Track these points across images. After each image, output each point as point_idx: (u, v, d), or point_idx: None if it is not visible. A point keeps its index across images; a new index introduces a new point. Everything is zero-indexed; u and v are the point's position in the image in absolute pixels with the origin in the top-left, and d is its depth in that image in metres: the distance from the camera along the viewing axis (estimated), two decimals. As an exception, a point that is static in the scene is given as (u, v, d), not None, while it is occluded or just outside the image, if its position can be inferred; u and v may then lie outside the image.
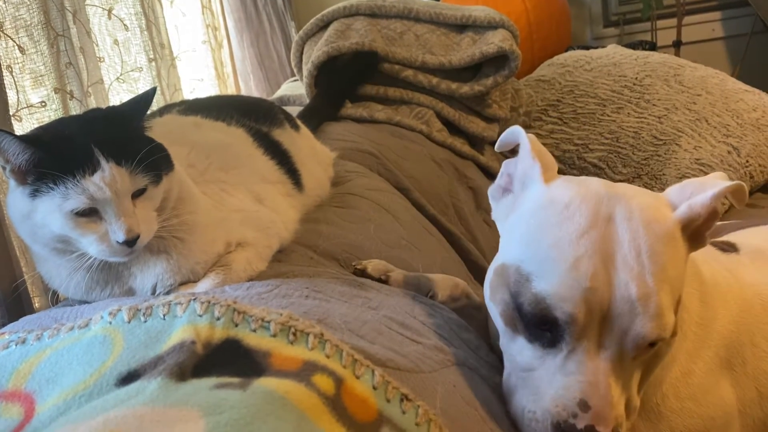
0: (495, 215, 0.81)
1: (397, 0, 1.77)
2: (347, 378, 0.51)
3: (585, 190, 0.70)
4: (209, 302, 0.55)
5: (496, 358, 0.82)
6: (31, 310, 1.02)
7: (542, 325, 0.66)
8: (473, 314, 0.94)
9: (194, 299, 0.57)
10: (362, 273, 0.94)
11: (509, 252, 0.72)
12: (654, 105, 1.84)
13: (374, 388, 0.53)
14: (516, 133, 0.78)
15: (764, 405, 0.83)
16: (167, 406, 0.43)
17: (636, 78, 1.92)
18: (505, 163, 0.81)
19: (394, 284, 0.92)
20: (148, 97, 0.79)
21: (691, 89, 1.86)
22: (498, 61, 1.70)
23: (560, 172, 0.77)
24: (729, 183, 0.70)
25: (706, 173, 1.73)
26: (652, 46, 2.91)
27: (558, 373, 0.65)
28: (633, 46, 2.76)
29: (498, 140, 0.82)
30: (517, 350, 0.70)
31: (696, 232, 0.71)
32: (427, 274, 0.96)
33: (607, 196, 0.69)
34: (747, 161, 1.79)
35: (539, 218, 0.69)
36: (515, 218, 0.74)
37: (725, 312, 0.82)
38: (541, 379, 0.67)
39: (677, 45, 2.97)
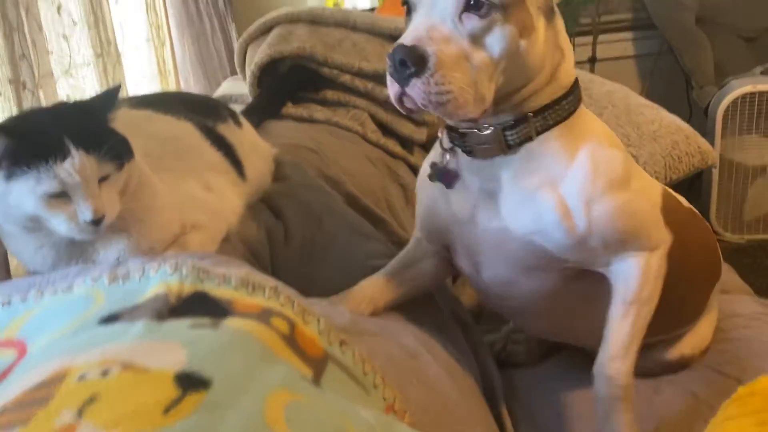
0: None
1: (336, 10, 1.89)
2: (298, 322, 0.63)
3: None
4: (177, 263, 0.66)
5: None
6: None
7: None
8: None
9: (164, 262, 0.67)
10: None
11: None
12: (567, 115, 2.02)
13: (320, 332, 0.64)
14: None
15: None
16: (154, 341, 0.53)
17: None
18: None
19: None
20: (114, 92, 0.88)
21: (599, 102, 2.06)
22: (428, 69, 1.83)
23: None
24: None
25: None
26: (570, 61, 3.14)
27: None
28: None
29: None
30: None
31: None
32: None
33: None
34: (644, 168, 2.00)
35: None
36: None
37: None
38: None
39: (592, 61, 3.22)
